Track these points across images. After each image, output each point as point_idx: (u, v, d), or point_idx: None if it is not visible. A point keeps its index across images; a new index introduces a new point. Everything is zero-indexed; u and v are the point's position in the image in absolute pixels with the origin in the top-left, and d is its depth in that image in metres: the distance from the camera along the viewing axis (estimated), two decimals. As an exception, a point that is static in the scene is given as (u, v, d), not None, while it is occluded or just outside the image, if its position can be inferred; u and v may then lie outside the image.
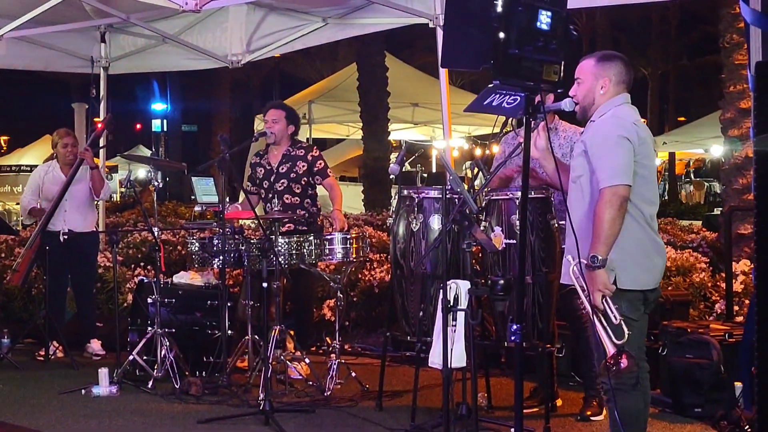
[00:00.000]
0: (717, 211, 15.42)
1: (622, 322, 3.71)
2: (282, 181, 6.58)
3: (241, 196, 6.86)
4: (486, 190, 5.15)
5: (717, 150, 19.85)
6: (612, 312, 3.72)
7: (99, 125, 7.72)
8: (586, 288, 3.79)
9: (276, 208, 6.20)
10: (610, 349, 3.67)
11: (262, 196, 6.71)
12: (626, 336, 3.70)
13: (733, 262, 6.67)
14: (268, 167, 6.66)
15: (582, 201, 3.91)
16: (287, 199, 6.52)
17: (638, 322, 3.90)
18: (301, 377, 6.09)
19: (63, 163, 7.25)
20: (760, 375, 3.81)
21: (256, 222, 6.39)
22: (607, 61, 4.00)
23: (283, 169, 6.60)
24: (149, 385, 5.93)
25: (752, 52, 4.37)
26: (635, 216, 3.84)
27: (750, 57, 4.48)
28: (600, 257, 3.71)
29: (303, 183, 6.59)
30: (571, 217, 3.86)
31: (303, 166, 6.59)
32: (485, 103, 4.63)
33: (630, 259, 3.83)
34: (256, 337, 5.98)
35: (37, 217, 7.24)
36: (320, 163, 6.64)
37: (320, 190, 6.81)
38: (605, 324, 3.72)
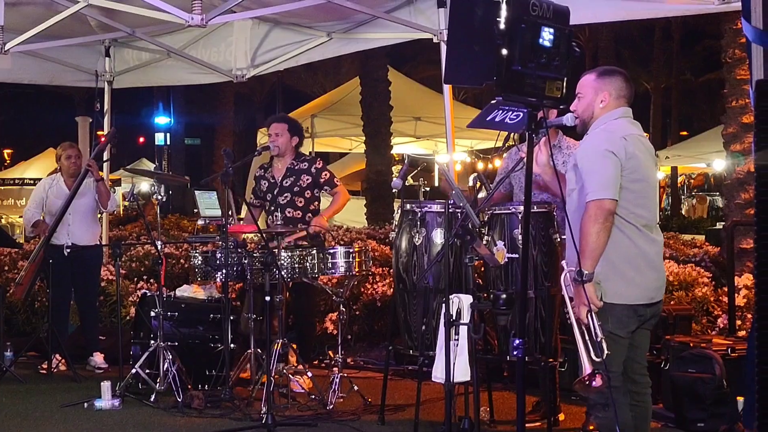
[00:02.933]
0: (719, 226, 15.43)
1: (604, 340, 3.69)
2: (285, 194, 6.59)
3: (244, 210, 6.87)
4: (488, 204, 5.16)
5: (719, 164, 19.84)
6: (595, 328, 3.72)
7: (102, 139, 7.76)
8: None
9: (278, 222, 6.21)
10: (587, 365, 3.66)
11: (266, 209, 6.73)
12: (605, 354, 3.68)
13: (736, 277, 6.68)
14: (272, 180, 6.68)
15: (574, 214, 3.92)
16: (289, 212, 6.54)
17: (625, 339, 3.88)
18: (303, 391, 6.09)
19: (67, 176, 7.28)
20: (761, 390, 3.80)
21: (259, 235, 6.39)
22: (608, 76, 4.03)
23: (286, 182, 6.61)
24: (152, 399, 5.92)
25: (754, 70, 4.38)
26: (623, 229, 3.84)
27: (752, 74, 4.50)
28: (586, 272, 3.72)
29: (307, 196, 6.60)
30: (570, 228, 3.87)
31: (307, 180, 6.61)
32: (488, 119, 4.66)
33: (615, 272, 3.83)
34: (259, 350, 5.98)
35: (41, 231, 7.25)
36: (326, 174, 6.65)
37: (323, 202, 6.83)
38: (587, 339, 3.72)
